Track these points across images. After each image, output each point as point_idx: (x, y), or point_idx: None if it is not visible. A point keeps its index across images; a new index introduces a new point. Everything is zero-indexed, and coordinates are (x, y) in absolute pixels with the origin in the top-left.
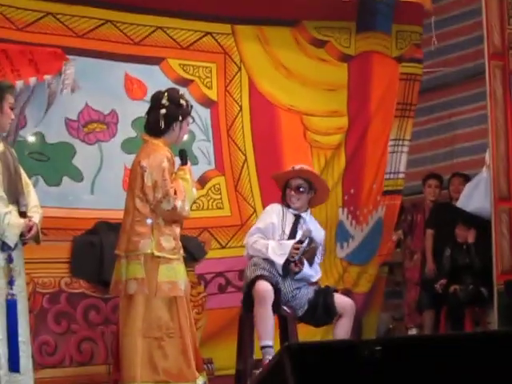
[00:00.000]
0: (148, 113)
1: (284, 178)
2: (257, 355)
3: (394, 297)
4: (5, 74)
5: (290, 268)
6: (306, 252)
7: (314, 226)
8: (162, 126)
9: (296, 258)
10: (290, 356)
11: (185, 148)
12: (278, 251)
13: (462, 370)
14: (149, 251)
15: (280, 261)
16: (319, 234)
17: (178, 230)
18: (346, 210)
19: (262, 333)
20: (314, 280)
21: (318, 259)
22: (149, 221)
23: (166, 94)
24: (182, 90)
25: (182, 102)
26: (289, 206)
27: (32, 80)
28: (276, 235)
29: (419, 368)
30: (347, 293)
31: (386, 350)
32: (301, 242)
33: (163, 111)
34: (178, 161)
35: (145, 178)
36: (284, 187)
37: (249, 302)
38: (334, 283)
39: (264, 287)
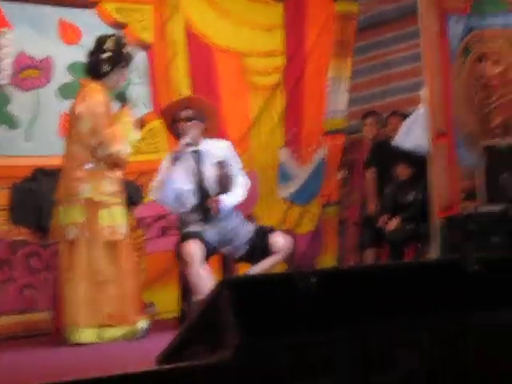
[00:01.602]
0: (90, 55)
1: (171, 113)
2: None
3: None
4: None
5: (209, 213)
6: (223, 181)
7: (217, 149)
8: (105, 70)
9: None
10: (227, 289)
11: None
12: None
13: (399, 300)
14: (88, 195)
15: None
16: (226, 150)
17: (118, 174)
18: (287, 150)
19: (199, 293)
20: (243, 197)
21: (238, 173)
22: (88, 166)
23: (111, 38)
24: (118, 33)
25: (126, 48)
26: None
27: None
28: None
29: (356, 299)
30: (290, 233)
31: (322, 281)
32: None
33: (107, 54)
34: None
35: (81, 124)
36: (171, 123)
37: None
38: (277, 223)
39: (188, 250)
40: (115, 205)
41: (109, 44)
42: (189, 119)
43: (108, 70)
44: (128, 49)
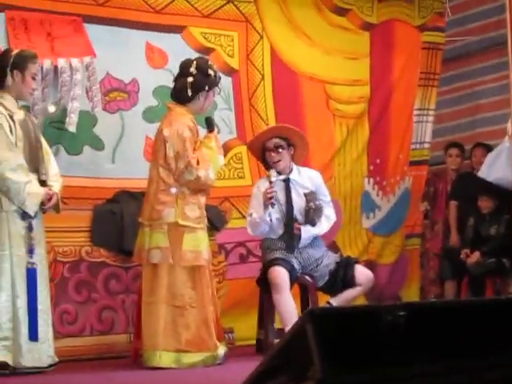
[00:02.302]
0: (175, 80)
1: (259, 143)
2: (277, 324)
3: None
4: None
5: (294, 236)
6: (310, 213)
7: (307, 179)
8: (189, 94)
9: (274, 199)
10: (312, 321)
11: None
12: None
13: (485, 336)
14: (172, 220)
15: (261, 212)
16: (316, 181)
17: (202, 200)
18: (371, 180)
19: (284, 319)
20: (326, 230)
21: (326, 203)
22: (173, 190)
23: (194, 62)
24: (212, 63)
25: (210, 71)
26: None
27: (60, 61)
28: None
29: (443, 333)
30: (371, 264)
31: (410, 315)
32: (270, 182)
33: (190, 79)
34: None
35: (167, 148)
36: (262, 154)
37: (264, 283)
38: (358, 254)
39: (278, 274)
40: (199, 230)
41: (192, 67)
42: (276, 148)
43: (192, 94)
44: (213, 72)
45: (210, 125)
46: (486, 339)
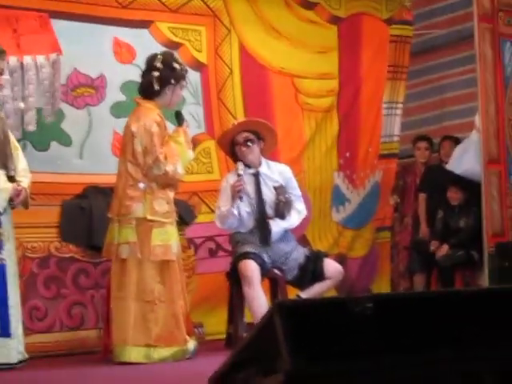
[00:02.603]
0: (142, 75)
1: (229, 138)
2: (248, 318)
3: None
4: None
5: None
6: (280, 206)
7: (276, 173)
8: (155, 89)
9: (242, 191)
10: (280, 314)
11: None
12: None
13: (453, 327)
14: (141, 215)
15: (229, 205)
16: (286, 175)
17: (171, 194)
18: (341, 173)
19: (255, 312)
20: (296, 224)
21: (296, 198)
22: (141, 185)
23: (159, 56)
24: (178, 57)
25: (176, 65)
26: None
27: (26, 58)
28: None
29: (410, 324)
30: (342, 257)
31: (378, 306)
32: (238, 175)
33: (156, 74)
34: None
35: (135, 143)
36: (231, 148)
37: (234, 277)
38: (328, 247)
39: (249, 267)
40: (168, 224)
41: (157, 62)
42: (246, 142)
43: (159, 88)
44: (178, 65)
45: (179, 119)
46: (453, 330)
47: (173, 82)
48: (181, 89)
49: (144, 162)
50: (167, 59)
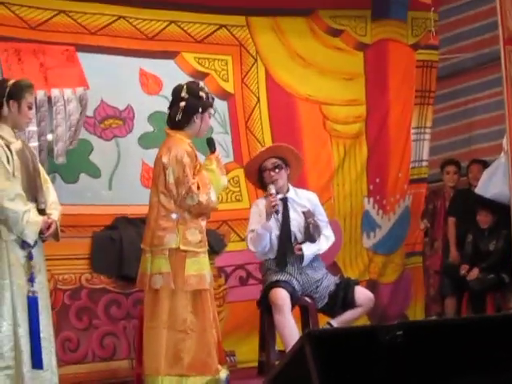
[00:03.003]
0: (169, 107)
1: (256, 165)
2: (279, 346)
3: None
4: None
5: (287, 253)
6: (310, 229)
7: (304, 199)
8: (181, 119)
9: (277, 206)
10: (310, 343)
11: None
12: (261, 222)
13: (485, 354)
14: (174, 246)
15: (264, 222)
16: (314, 201)
17: (203, 223)
18: (371, 199)
19: (286, 341)
20: (325, 249)
21: (324, 224)
22: (174, 215)
23: (184, 86)
24: (203, 85)
25: (202, 93)
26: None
27: (53, 91)
28: (272, 230)
29: (442, 352)
30: (373, 283)
31: (408, 334)
32: (270, 195)
33: (182, 104)
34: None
35: (167, 174)
36: (259, 176)
37: (265, 305)
38: (359, 274)
39: (280, 296)
40: (201, 254)
41: (183, 92)
42: (275, 168)
43: (187, 118)
44: (204, 94)
45: (211, 146)
46: (482, 356)
47: (200, 110)
48: (209, 117)
49: (177, 192)
50: (192, 88)
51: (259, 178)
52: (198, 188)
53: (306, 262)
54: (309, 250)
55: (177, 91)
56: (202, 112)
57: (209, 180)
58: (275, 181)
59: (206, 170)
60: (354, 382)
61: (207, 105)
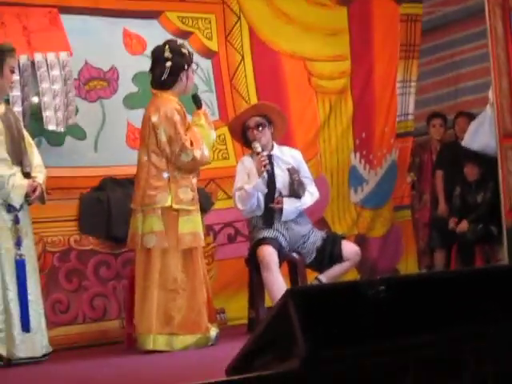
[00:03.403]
0: (152, 68)
1: (239, 124)
2: (268, 303)
3: None
4: None
5: (273, 210)
6: (294, 185)
7: (289, 156)
8: (167, 78)
9: (268, 165)
10: (293, 299)
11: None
12: (251, 181)
13: (469, 306)
14: (166, 204)
15: (255, 182)
16: (298, 158)
17: (194, 181)
18: (358, 154)
19: (275, 297)
20: (308, 205)
21: (308, 181)
22: (165, 174)
23: (167, 46)
24: (182, 42)
25: (184, 50)
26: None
27: (36, 56)
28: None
29: (425, 306)
30: (362, 238)
31: (391, 289)
32: (258, 153)
33: (168, 63)
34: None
35: (158, 134)
36: (242, 133)
37: (253, 263)
38: (347, 229)
39: (267, 252)
40: (194, 212)
41: (166, 52)
42: (258, 126)
43: (174, 77)
44: (186, 50)
45: (197, 102)
46: (472, 307)
47: (185, 67)
48: (192, 73)
49: (170, 151)
50: (175, 47)
51: (243, 136)
52: (192, 144)
53: (285, 216)
54: (289, 204)
55: (159, 51)
56: (187, 69)
57: (200, 135)
58: (259, 139)
59: (196, 125)
60: (338, 337)
61: (190, 61)
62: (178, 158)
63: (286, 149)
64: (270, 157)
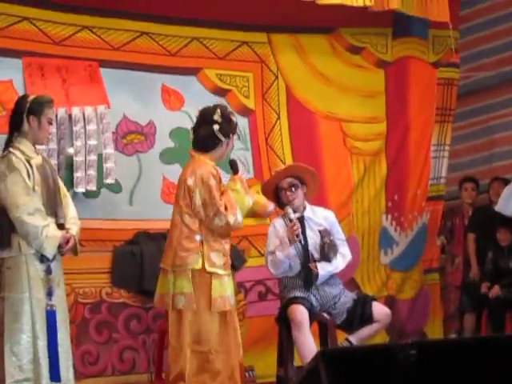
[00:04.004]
0: (197, 128)
1: (272, 185)
2: (297, 362)
3: None
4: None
5: (311, 271)
6: (325, 248)
7: (321, 218)
8: (210, 142)
9: (300, 234)
10: (324, 362)
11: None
12: (282, 247)
13: (500, 373)
14: (197, 266)
15: (287, 250)
16: (330, 219)
17: (227, 246)
18: (389, 216)
19: (304, 357)
20: (341, 268)
21: (340, 242)
22: (198, 237)
23: (218, 109)
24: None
25: (233, 118)
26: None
27: (74, 110)
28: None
29: (455, 371)
30: (391, 300)
31: (421, 353)
32: (290, 220)
33: (216, 127)
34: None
35: (193, 197)
36: (275, 195)
37: (284, 321)
38: (377, 290)
39: (299, 312)
40: (225, 276)
41: (217, 115)
42: (291, 187)
43: (217, 141)
44: (234, 118)
45: (234, 167)
46: (501, 375)
47: (230, 135)
48: (233, 142)
49: (205, 214)
50: (225, 112)
51: (276, 197)
52: (226, 209)
53: (320, 281)
54: (324, 269)
55: (208, 113)
56: (231, 137)
57: (235, 200)
58: (292, 201)
59: (232, 190)
60: None
61: (235, 130)
62: (211, 222)
63: (318, 210)
64: (301, 219)
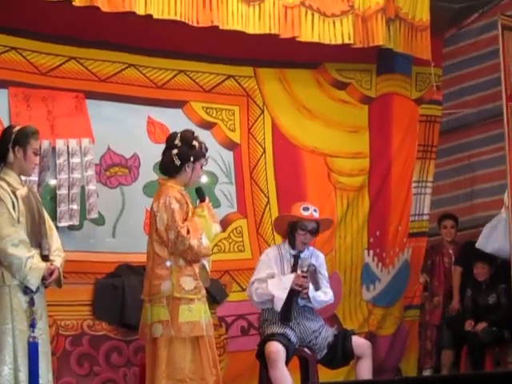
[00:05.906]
0: (162, 153)
1: (294, 219)
2: None
3: None
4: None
5: (291, 307)
6: (313, 273)
7: (313, 256)
8: (174, 166)
9: (309, 286)
10: None
11: (207, 190)
12: (279, 285)
13: None
14: (168, 293)
15: (282, 295)
16: (320, 260)
17: (197, 270)
18: (371, 252)
19: None
20: (327, 302)
21: (325, 283)
22: (168, 263)
23: (179, 134)
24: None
25: (195, 142)
26: (293, 247)
27: (58, 142)
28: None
29: None
30: (372, 336)
31: None
32: (302, 271)
33: (175, 151)
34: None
35: (157, 221)
36: (292, 228)
37: (263, 357)
38: (358, 326)
39: (273, 349)
40: (195, 300)
41: (177, 140)
42: (314, 233)
43: (178, 165)
44: (197, 143)
45: (200, 195)
46: None
47: (192, 159)
48: (201, 167)
49: (167, 238)
50: (186, 136)
51: (289, 230)
52: (188, 232)
53: (313, 301)
54: (313, 292)
55: (171, 138)
56: (194, 161)
57: (200, 225)
58: (306, 244)
59: (198, 216)
60: None
61: (199, 155)
62: (174, 246)
63: (312, 249)
64: (297, 257)
